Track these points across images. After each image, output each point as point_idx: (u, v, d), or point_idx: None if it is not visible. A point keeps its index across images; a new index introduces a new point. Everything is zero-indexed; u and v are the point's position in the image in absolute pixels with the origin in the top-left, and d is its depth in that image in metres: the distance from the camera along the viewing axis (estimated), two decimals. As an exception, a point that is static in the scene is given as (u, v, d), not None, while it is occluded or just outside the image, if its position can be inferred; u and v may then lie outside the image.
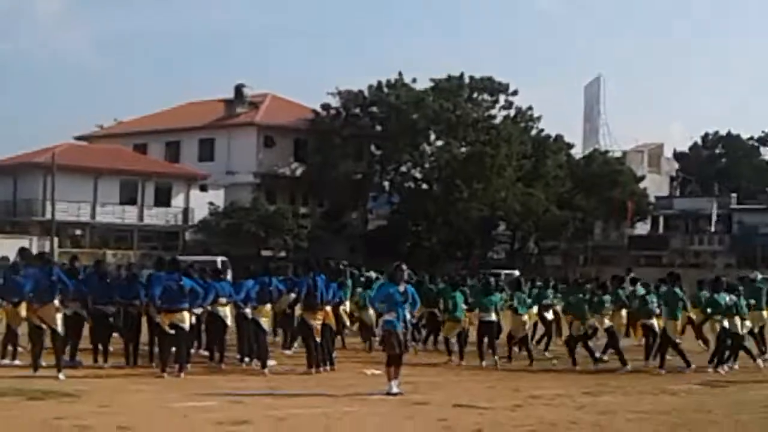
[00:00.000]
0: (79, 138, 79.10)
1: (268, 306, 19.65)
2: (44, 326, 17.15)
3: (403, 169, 72.55)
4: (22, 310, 18.45)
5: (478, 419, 13.59)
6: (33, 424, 12.18)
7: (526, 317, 22.27)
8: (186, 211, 68.58)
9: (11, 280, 18.82)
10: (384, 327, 16.69)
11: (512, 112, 73.30)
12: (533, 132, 74.55)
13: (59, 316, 17.28)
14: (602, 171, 77.76)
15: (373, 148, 72.28)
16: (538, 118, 74.77)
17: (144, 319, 19.48)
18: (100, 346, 18.99)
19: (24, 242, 50.22)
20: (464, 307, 22.00)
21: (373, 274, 27.83)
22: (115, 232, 66.20)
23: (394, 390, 15.72)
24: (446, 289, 23.31)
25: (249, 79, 79.83)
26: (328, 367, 19.10)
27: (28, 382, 15.77)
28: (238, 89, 74.54)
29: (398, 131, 68.89)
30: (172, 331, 17.63)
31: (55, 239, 57.23)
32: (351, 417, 13.66)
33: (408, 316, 16.53)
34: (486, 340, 21.29)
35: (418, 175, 72.66)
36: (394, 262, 17.36)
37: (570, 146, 79.36)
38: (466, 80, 71.84)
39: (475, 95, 72.61)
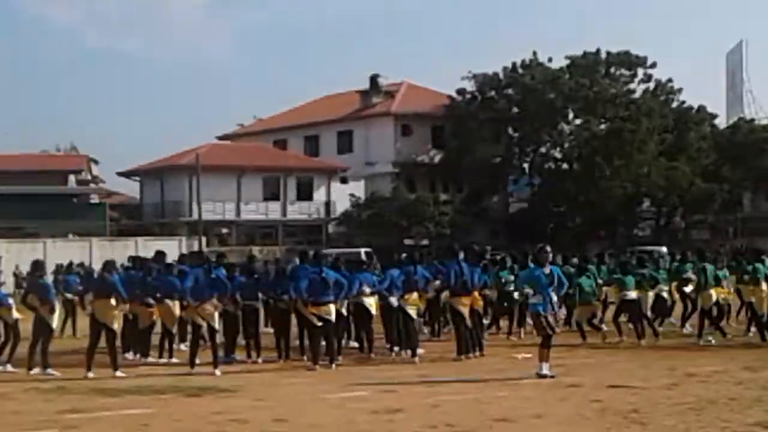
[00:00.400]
0: (221, 138, 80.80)
1: (415, 294, 19.59)
2: (203, 324, 17.58)
3: (542, 150, 71.83)
4: (177, 309, 18.99)
5: (633, 399, 13.34)
6: (192, 420, 12.44)
7: (651, 294, 22.17)
8: (328, 204, 69.28)
9: (165, 280, 19.30)
10: (530, 311, 16.72)
11: (651, 86, 71.88)
12: (674, 104, 72.92)
13: (217, 314, 17.72)
14: (748, 140, 75.20)
15: (510, 130, 71.82)
16: (679, 90, 73.14)
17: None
18: (252, 342, 19.35)
19: (173, 243, 51.70)
20: (598, 283, 22.51)
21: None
22: (259, 228, 67.21)
23: (545, 371, 15.58)
24: (574, 273, 22.90)
25: (383, 68, 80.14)
26: (477, 353, 19.03)
27: (185, 380, 16.20)
28: (373, 79, 74.76)
29: (535, 112, 68.23)
30: (320, 324, 17.84)
31: (203, 239, 58.61)
32: (503, 401, 13.56)
33: (554, 298, 16.33)
34: (624, 317, 21.49)
35: (558, 156, 71.90)
36: (537, 245, 17.25)
37: (713, 116, 77.15)
38: (603, 56, 70.67)
39: (612, 70, 71.43)
